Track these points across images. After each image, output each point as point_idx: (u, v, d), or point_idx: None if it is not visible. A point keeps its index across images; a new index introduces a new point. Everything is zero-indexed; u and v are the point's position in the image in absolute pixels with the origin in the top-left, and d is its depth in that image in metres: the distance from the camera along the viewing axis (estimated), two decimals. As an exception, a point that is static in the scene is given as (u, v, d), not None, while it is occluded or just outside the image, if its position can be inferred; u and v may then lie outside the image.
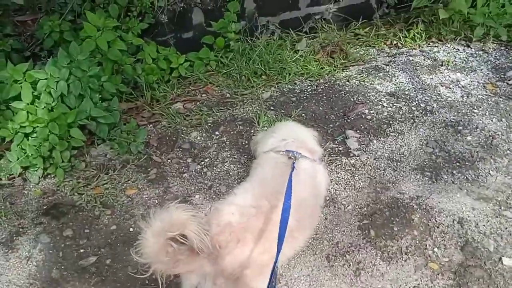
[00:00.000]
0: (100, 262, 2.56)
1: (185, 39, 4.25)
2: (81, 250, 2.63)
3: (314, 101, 3.83)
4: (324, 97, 3.88)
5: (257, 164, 2.33)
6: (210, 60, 4.20)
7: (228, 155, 3.30)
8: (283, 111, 3.71)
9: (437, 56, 4.45)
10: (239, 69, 4.14)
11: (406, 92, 3.93)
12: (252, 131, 3.49)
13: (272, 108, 3.74)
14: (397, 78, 4.12)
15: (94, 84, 3.23)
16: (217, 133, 3.51)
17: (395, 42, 4.71)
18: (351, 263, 2.58)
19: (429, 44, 4.67)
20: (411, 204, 2.93)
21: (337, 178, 3.10)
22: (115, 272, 2.52)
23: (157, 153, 3.32)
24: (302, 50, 4.39)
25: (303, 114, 3.67)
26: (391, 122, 3.60)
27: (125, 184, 3.05)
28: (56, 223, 2.77)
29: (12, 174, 3.06)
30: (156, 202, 2.94)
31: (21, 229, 2.73)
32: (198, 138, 3.47)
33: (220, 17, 4.15)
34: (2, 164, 3.07)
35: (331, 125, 3.57)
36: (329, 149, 3.33)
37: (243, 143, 3.39)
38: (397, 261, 2.59)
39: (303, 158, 2.25)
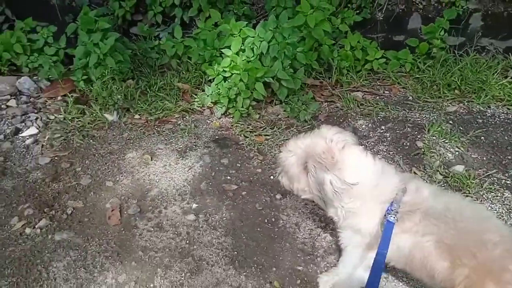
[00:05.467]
0: (238, 191, 2.97)
1: (395, 40, 4.30)
2: (228, 177, 3.08)
3: (502, 129, 3.45)
4: (516, 129, 3.46)
5: None
6: (407, 62, 4.16)
7: (384, 150, 3.30)
8: (461, 127, 3.47)
9: None
10: (433, 77, 4.00)
11: None
12: (418, 136, 3.39)
13: (450, 122, 3.54)
14: None
15: (289, 51, 3.62)
16: (382, 127, 3.53)
17: None
18: None
19: None
20: None
21: (490, 209, 2.80)
22: (246, 203, 2.88)
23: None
24: (513, 77, 3.96)
25: (482, 137, 3.36)
26: None
27: (282, 142, 3.38)
28: (219, 151, 3.30)
29: (204, 105, 3.74)
30: (302, 165, 3.19)
31: (194, 146, 3.36)
32: (363, 126, 3.56)
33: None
34: (200, 96, 3.78)
35: (509, 157, 3.18)
36: (494, 177, 3.00)
37: (404, 144, 3.33)
38: None
39: None
